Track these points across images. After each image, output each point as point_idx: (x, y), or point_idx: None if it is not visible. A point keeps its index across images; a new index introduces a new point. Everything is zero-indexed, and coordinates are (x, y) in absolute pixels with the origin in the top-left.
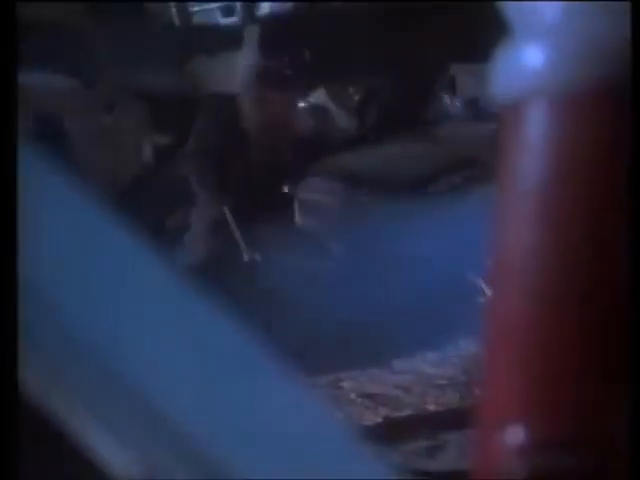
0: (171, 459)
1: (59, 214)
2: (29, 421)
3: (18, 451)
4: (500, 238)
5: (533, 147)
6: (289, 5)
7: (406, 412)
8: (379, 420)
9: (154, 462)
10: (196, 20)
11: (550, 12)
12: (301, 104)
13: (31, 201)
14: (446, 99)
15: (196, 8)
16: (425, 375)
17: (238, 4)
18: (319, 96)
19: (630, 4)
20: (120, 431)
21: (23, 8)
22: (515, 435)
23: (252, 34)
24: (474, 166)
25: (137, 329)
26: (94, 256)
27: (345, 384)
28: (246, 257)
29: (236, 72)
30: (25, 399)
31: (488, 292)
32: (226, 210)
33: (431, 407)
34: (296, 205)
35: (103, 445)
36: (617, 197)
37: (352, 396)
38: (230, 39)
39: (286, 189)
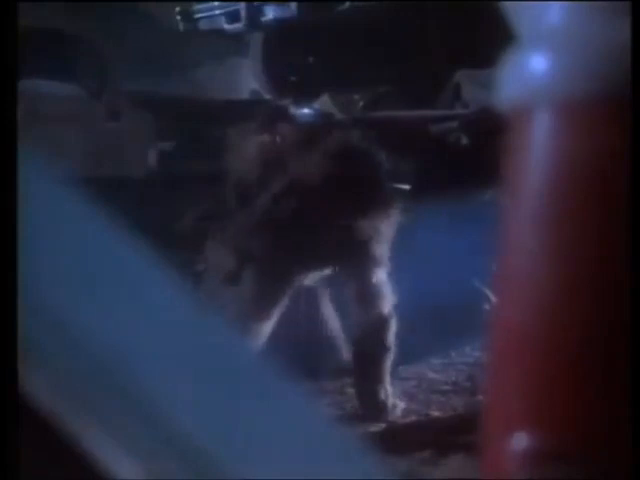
0: (172, 462)
1: (60, 221)
2: (30, 424)
3: (18, 453)
4: (506, 244)
5: (538, 152)
6: (293, 11)
7: (410, 418)
8: (383, 426)
9: (155, 466)
10: (201, 26)
11: (555, 21)
12: (305, 110)
13: (32, 210)
14: (451, 105)
15: (200, 14)
16: (429, 381)
17: (243, 11)
18: (323, 102)
19: (630, 4)
20: (121, 434)
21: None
22: (521, 442)
23: (257, 40)
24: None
25: (136, 333)
26: (95, 259)
27: (350, 390)
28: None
29: (242, 79)
30: (26, 402)
31: (493, 299)
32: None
33: (435, 413)
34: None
35: (104, 448)
36: (619, 202)
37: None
38: (235, 45)
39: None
